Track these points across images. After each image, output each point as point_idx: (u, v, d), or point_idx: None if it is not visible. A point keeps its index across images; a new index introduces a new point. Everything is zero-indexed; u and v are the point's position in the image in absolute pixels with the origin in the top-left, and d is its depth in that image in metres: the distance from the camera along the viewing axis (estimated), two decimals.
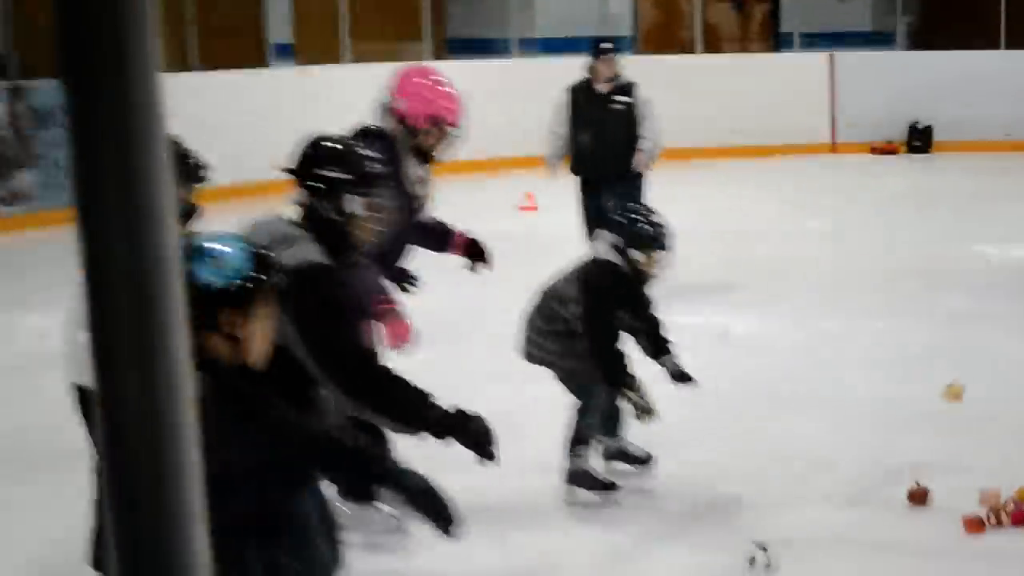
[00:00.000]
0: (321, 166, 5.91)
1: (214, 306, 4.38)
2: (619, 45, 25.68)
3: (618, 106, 13.80)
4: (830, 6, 27.14)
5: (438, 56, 24.55)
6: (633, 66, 23.82)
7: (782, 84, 23.96)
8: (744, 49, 27.68)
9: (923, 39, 27.31)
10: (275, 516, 4.56)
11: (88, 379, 1.63)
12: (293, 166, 5.99)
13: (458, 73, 23.14)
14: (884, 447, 8.77)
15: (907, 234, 16.55)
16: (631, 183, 13.44)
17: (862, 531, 7.72)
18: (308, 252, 5.61)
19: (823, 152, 23.53)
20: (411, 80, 7.73)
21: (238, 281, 4.44)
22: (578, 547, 7.68)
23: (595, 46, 14.54)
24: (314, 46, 23.35)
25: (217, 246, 4.47)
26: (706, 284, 13.93)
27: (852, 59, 24.77)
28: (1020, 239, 16.01)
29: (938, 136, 23.69)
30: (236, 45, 23.14)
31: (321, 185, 5.84)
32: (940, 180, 21.06)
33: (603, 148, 13.56)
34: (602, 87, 14.01)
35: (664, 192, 18.73)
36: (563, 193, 18.87)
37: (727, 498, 8.25)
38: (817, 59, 24.63)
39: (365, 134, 7.39)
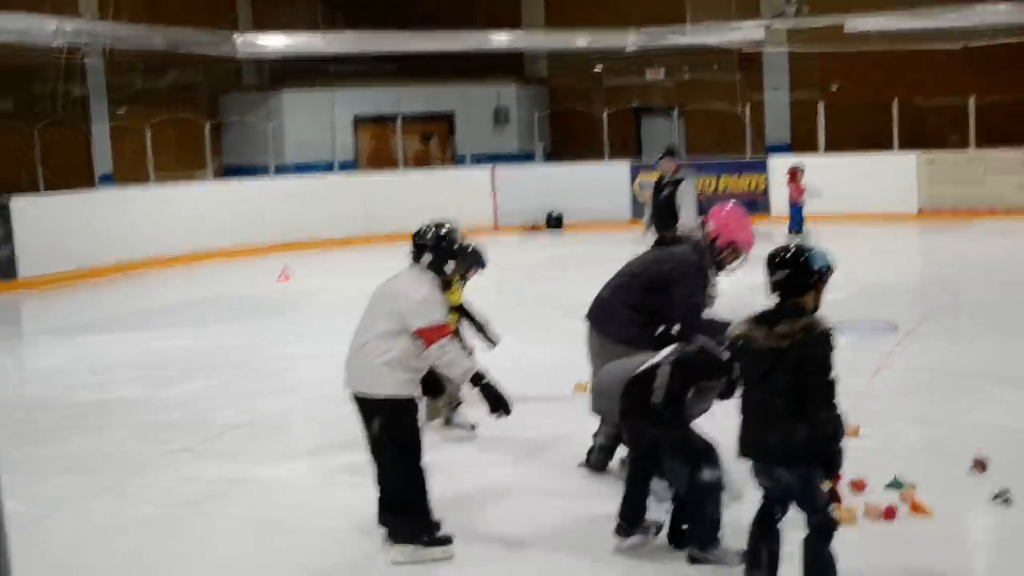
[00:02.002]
0: None
1: (817, 278, 5.27)
2: (344, 165, 26.22)
3: (665, 193, 13.78)
4: (490, 136, 27.68)
5: (217, 177, 24.49)
6: (356, 180, 24.34)
7: (460, 188, 24.27)
8: (434, 165, 27.97)
9: (553, 156, 28.15)
10: None
11: None
12: None
13: (234, 188, 23.60)
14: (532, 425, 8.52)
15: (548, 284, 16.97)
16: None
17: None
18: None
19: (488, 232, 23.50)
20: (727, 212, 7.28)
21: (829, 267, 5.33)
22: None
23: (662, 152, 14.28)
24: (128, 174, 22.93)
25: (819, 249, 5.38)
26: None
27: (506, 171, 25.11)
28: None
29: (567, 220, 24.24)
30: (72, 174, 22.68)
31: None
32: (569, 249, 21.36)
33: (657, 219, 13.86)
34: (665, 179, 13.91)
35: (397, 264, 18.98)
36: (309, 268, 19.01)
37: None
38: (484, 171, 24.89)
39: (680, 239, 7.43)
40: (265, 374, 11.44)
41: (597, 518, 6.57)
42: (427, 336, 6.23)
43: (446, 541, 6.41)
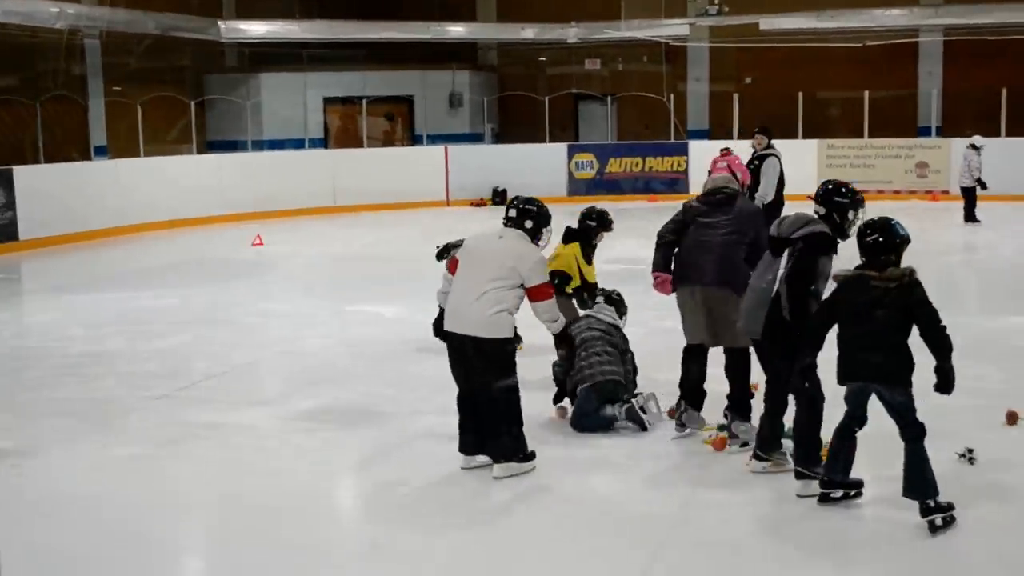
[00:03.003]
0: (836, 195, 6.36)
1: (900, 241, 5.76)
2: (314, 142, 26.09)
3: (751, 167, 13.34)
4: (444, 118, 27.64)
5: (200, 151, 24.35)
6: (328, 158, 24.25)
7: (417, 165, 24.34)
8: (394, 144, 27.93)
9: (500, 136, 28.19)
10: None
11: None
12: (816, 195, 6.44)
13: (215, 162, 23.43)
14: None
15: None
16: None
17: None
18: (823, 227, 6.27)
19: (441, 206, 23.80)
20: (738, 160, 7.51)
21: (908, 236, 5.79)
22: None
23: (756, 129, 13.97)
24: (120, 147, 22.73)
25: (899, 222, 5.82)
26: (367, 283, 14.16)
27: (458, 150, 25.03)
28: None
29: (510, 195, 23.51)
30: (70, 146, 22.48)
31: (837, 204, 6.35)
32: None
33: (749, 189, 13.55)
34: (755, 153, 13.61)
35: (360, 232, 18.87)
36: (281, 235, 18.99)
37: None
38: (438, 150, 24.75)
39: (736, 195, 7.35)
40: (238, 329, 11.46)
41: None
42: (541, 292, 6.60)
43: (533, 456, 6.71)
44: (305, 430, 7.75)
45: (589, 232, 8.81)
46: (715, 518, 6.05)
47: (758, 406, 6.73)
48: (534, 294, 6.59)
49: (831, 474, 6.01)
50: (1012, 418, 7.49)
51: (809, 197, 6.58)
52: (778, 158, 13.48)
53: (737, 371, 7.18)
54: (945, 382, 5.68)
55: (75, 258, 17.23)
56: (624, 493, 6.45)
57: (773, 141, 13.86)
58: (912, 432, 5.72)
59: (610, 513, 6.15)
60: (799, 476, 6.21)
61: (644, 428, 7.36)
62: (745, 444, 6.95)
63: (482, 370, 6.56)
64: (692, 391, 7.37)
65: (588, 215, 8.85)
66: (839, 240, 6.35)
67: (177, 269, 16.16)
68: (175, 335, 11.14)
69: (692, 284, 7.23)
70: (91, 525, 6.13)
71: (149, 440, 7.57)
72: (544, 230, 6.81)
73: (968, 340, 10.13)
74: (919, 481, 5.70)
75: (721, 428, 7.28)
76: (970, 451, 6.66)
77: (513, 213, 6.78)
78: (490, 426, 6.63)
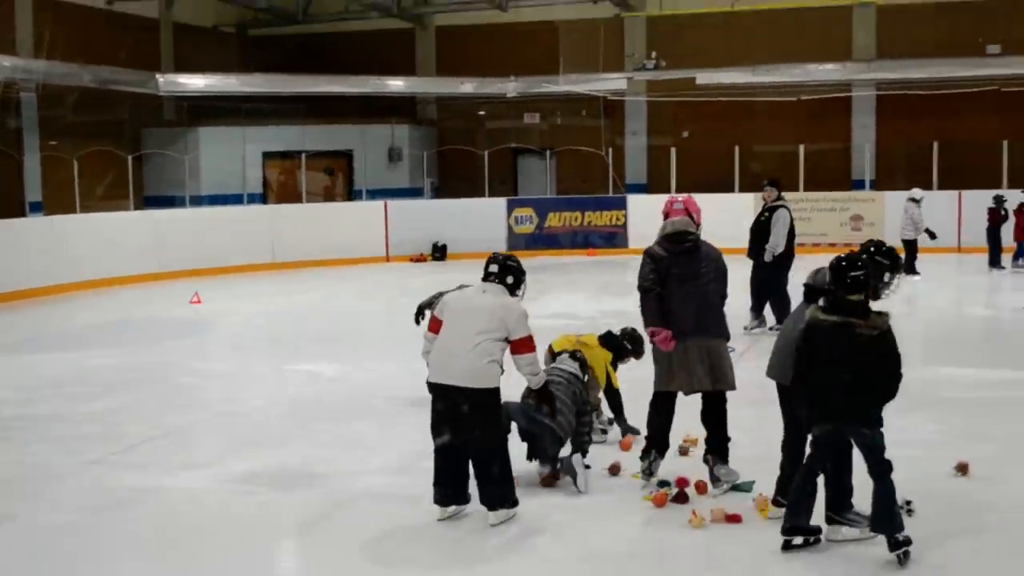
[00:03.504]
0: (878, 255, 6.61)
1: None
2: (253, 197, 26.03)
3: (762, 219, 13.79)
4: (384, 172, 27.71)
5: (137, 207, 24.22)
6: (267, 213, 24.16)
7: (357, 220, 24.38)
8: (334, 198, 27.94)
9: (440, 191, 28.32)
10: None
11: None
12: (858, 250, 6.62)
13: (152, 219, 23.24)
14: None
15: None
16: (764, 265, 13.66)
17: None
18: None
19: (381, 262, 23.80)
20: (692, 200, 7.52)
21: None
22: None
23: (764, 183, 14.27)
24: (57, 202, 22.52)
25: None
26: (306, 341, 14.13)
27: (398, 205, 25.12)
28: None
29: (450, 250, 24.31)
30: (3, 202, 22.15)
31: (877, 263, 6.49)
32: (451, 276, 20.98)
33: (752, 237, 13.84)
34: (766, 205, 13.91)
35: (300, 288, 18.56)
36: (219, 292, 18.84)
37: None
38: (377, 205, 24.81)
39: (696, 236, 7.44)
40: (175, 390, 11.38)
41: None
42: (524, 345, 6.81)
43: (517, 503, 6.91)
44: (244, 492, 7.69)
45: (622, 351, 9.03)
46: (691, 561, 6.30)
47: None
48: (517, 347, 6.79)
49: (794, 520, 6.19)
50: (963, 469, 7.64)
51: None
52: (788, 210, 13.85)
53: (717, 416, 7.38)
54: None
55: (7, 318, 16.98)
56: (598, 537, 6.63)
57: (783, 193, 14.26)
58: (882, 469, 5.98)
59: (587, 560, 6.30)
60: (829, 521, 6.37)
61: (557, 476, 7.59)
62: (737, 487, 7.28)
63: (472, 420, 6.73)
64: (660, 438, 7.51)
65: (626, 336, 9.03)
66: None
67: (114, 328, 16.00)
68: (111, 397, 11.02)
69: (675, 336, 7.29)
70: None
71: (81, 506, 7.46)
72: (522, 285, 7.08)
73: (901, 391, 10.33)
74: (887, 516, 5.98)
75: (662, 484, 7.37)
76: (908, 503, 6.75)
77: (495, 268, 7.04)
78: (482, 475, 6.82)
